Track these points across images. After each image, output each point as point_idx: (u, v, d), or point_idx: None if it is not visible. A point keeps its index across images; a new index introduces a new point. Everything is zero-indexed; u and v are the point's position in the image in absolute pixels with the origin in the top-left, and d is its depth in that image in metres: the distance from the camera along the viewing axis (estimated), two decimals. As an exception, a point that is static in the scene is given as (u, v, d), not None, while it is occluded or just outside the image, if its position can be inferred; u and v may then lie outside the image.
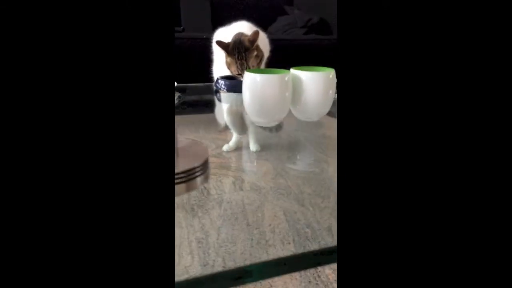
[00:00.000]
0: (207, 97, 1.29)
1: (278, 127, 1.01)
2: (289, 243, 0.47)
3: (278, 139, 0.93)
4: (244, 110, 1.00)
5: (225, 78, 1.09)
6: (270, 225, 0.51)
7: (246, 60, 1.01)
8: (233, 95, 1.05)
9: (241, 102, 1.09)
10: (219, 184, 0.75)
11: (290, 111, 0.80)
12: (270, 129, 1.01)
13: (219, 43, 1.02)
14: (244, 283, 0.37)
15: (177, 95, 1.10)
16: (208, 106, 1.21)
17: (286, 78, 0.75)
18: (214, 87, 1.12)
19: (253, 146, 0.83)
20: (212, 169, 0.72)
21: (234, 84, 1.04)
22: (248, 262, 0.42)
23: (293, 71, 0.78)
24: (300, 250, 0.45)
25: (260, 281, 0.38)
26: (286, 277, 0.40)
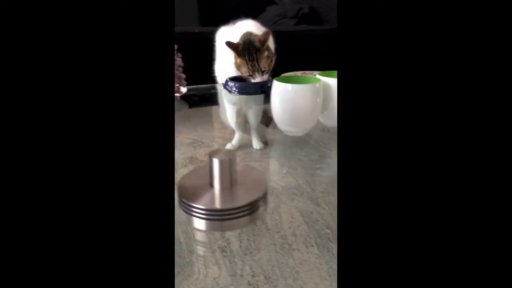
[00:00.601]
0: (204, 93, 1.27)
1: (270, 121, 1.01)
2: (312, 246, 0.47)
3: (279, 135, 0.93)
4: (247, 110, 0.99)
5: (234, 79, 1.07)
6: (290, 228, 0.51)
7: (257, 61, 0.99)
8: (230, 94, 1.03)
9: (245, 101, 1.07)
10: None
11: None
12: (267, 124, 1.00)
13: (229, 44, 1.00)
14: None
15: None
16: (206, 104, 1.19)
17: (318, 86, 0.74)
18: (223, 89, 1.10)
19: (256, 144, 0.82)
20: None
21: (245, 86, 1.02)
22: (276, 269, 0.42)
23: (321, 78, 0.78)
24: (325, 252, 0.45)
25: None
26: (316, 278, 0.40)
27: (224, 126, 0.98)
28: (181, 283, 0.39)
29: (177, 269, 0.42)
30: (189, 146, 0.85)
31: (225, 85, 1.06)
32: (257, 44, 1.01)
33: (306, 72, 1.18)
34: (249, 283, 0.40)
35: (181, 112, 1.04)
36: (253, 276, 0.41)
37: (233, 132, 0.92)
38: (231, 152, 0.48)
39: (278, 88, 0.76)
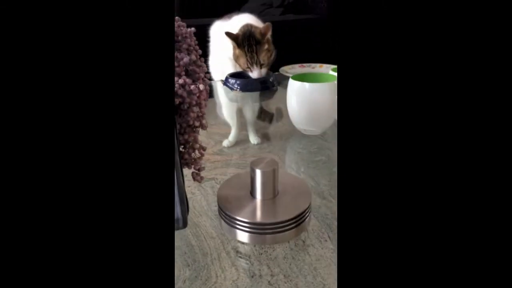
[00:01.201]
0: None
1: (272, 118, 1.00)
2: (326, 240, 0.47)
3: (274, 128, 0.92)
4: (243, 106, 0.97)
5: (234, 75, 1.04)
6: (300, 223, 0.51)
7: (256, 53, 0.97)
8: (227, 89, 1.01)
9: (242, 97, 1.05)
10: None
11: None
12: (270, 121, 0.99)
13: (228, 34, 0.97)
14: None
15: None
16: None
17: (335, 84, 0.73)
18: (223, 85, 1.07)
19: (253, 139, 0.81)
20: (219, 169, 0.70)
21: (247, 83, 1.00)
22: (294, 267, 0.42)
23: (335, 74, 0.77)
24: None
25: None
26: (335, 274, 0.40)
27: (218, 122, 0.96)
28: (200, 288, 0.39)
29: (193, 274, 0.41)
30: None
31: (225, 82, 1.04)
32: (258, 36, 0.99)
33: (304, 64, 1.17)
34: (269, 283, 0.40)
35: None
36: (272, 275, 0.41)
37: (228, 128, 0.91)
38: (273, 162, 0.46)
39: (295, 87, 0.75)
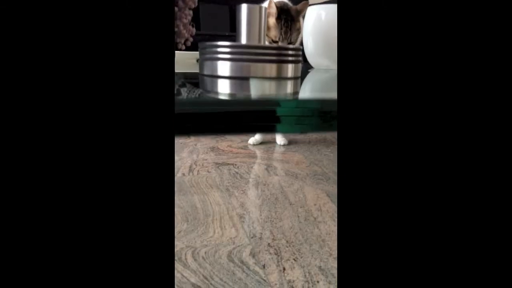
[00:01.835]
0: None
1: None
2: (341, 221, 0.42)
3: (304, 136, 0.90)
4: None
5: None
6: (315, 204, 0.47)
7: (290, 30, 0.95)
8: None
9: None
10: (251, 170, 0.70)
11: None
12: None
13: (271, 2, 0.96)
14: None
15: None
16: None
17: None
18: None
19: (280, 140, 0.79)
20: (240, 158, 0.68)
21: None
22: (299, 236, 0.38)
23: None
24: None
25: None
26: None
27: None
28: (194, 239, 0.36)
29: (190, 227, 0.38)
30: (211, 139, 0.84)
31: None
32: (293, 13, 0.98)
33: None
34: (269, 245, 0.36)
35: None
36: (274, 239, 0.37)
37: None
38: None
39: (312, 15, 0.71)
